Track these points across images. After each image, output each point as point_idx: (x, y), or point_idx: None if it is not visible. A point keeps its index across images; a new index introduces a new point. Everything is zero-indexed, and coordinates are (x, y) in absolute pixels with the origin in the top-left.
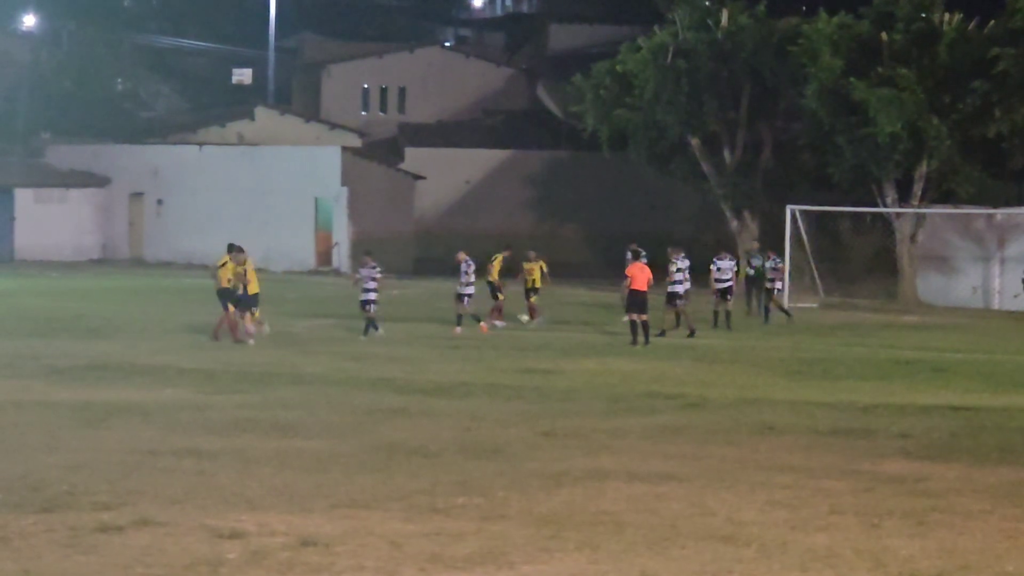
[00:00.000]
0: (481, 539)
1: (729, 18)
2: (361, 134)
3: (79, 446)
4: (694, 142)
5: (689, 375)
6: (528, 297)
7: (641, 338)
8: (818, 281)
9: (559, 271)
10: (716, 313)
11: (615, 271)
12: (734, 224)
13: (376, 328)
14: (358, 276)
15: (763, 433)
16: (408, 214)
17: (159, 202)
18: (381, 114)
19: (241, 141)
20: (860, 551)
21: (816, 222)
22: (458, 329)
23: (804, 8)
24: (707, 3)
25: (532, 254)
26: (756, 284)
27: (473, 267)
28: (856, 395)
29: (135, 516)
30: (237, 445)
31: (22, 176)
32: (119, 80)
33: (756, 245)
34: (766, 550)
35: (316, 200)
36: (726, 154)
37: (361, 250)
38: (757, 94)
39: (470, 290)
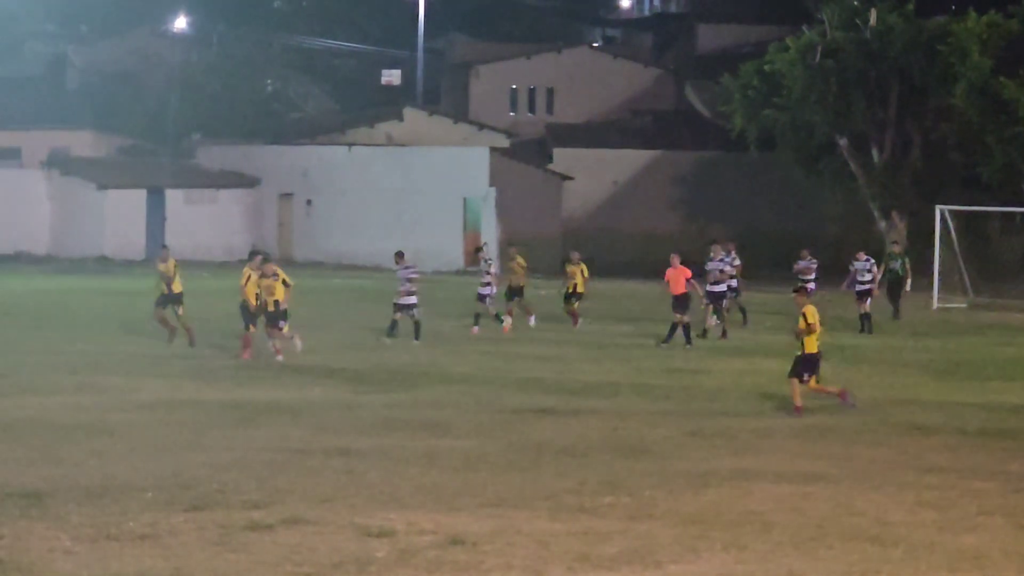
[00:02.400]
0: (628, 538)
1: (877, 17)
2: (509, 135)
3: (229, 445)
4: (842, 142)
5: (837, 375)
6: (567, 301)
7: (682, 337)
8: (967, 281)
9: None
10: (862, 316)
11: (761, 272)
12: (882, 224)
13: (393, 333)
14: (398, 276)
15: (911, 434)
16: (556, 214)
17: (308, 203)
18: (529, 115)
19: (390, 142)
20: (1009, 552)
21: (965, 222)
22: (475, 329)
23: (953, 7)
24: (855, 2)
25: (575, 255)
26: (894, 286)
27: (494, 265)
28: (1005, 396)
29: (284, 514)
30: (386, 444)
31: (173, 177)
32: (269, 81)
33: (897, 248)
34: (914, 551)
35: (464, 200)
36: (874, 154)
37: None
38: (906, 93)
39: (488, 290)
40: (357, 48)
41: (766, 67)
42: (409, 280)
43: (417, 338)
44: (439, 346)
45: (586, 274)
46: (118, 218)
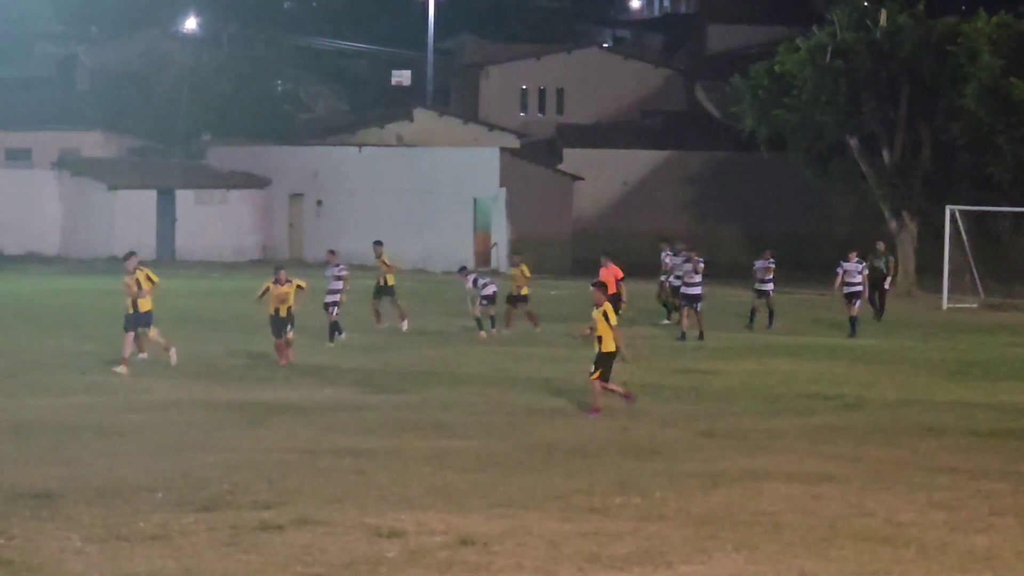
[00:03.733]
0: (639, 539)
1: (888, 18)
2: (519, 135)
3: (239, 445)
4: (852, 142)
5: (848, 375)
6: (512, 304)
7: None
8: (978, 282)
9: (717, 271)
10: (851, 320)
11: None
12: (893, 225)
13: (339, 332)
14: (326, 275)
15: (922, 434)
16: (566, 215)
17: (319, 203)
18: (539, 115)
19: (400, 142)
20: (1020, 553)
21: (976, 222)
22: (482, 334)
23: (963, 7)
24: (865, 3)
25: (516, 258)
26: (877, 285)
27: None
28: (1017, 396)
29: (295, 515)
30: (396, 445)
31: (183, 178)
32: (279, 82)
33: (882, 246)
34: (925, 551)
35: (475, 201)
36: (885, 154)
37: (519, 250)
38: (916, 94)
39: (488, 291)
40: (367, 49)
41: (776, 68)
42: (339, 278)
43: (331, 340)
44: (448, 347)
45: (527, 274)
46: (128, 219)
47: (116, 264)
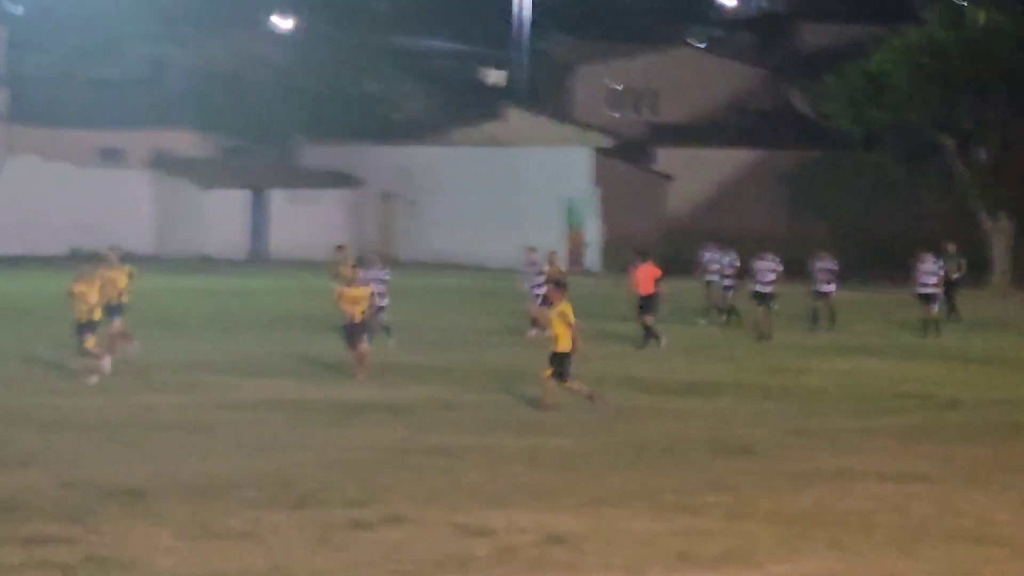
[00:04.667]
0: (729, 538)
1: (983, 16)
2: (612, 135)
3: (330, 444)
4: (947, 142)
5: (940, 375)
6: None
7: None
8: None
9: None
10: (925, 322)
11: (866, 272)
12: (987, 225)
13: (389, 334)
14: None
15: (1016, 434)
16: (658, 214)
17: (411, 202)
18: (632, 115)
19: (492, 142)
20: None
21: None
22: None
23: None
24: (964, 2)
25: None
26: (949, 286)
27: (542, 267)
28: None
29: (385, 513)
30: (486, 443)
31: (275, 177)
32: (371, 81)
33: (952, 247)
34: (1019, 552)
35: (567, 200)
36: (980, 154)
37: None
38: (1012, 93)
39: (540, 290)
40: (460, 48)
41: (870, 66)
42: (383, 282)
43: (371, 340)
44: (538, 346)
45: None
46: (221, 218)
47: (209, 264)
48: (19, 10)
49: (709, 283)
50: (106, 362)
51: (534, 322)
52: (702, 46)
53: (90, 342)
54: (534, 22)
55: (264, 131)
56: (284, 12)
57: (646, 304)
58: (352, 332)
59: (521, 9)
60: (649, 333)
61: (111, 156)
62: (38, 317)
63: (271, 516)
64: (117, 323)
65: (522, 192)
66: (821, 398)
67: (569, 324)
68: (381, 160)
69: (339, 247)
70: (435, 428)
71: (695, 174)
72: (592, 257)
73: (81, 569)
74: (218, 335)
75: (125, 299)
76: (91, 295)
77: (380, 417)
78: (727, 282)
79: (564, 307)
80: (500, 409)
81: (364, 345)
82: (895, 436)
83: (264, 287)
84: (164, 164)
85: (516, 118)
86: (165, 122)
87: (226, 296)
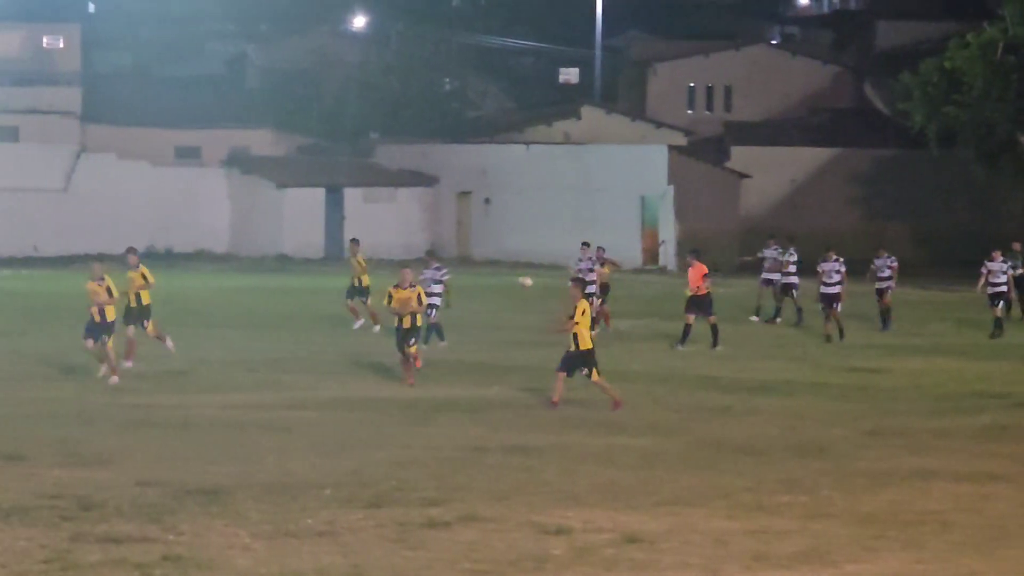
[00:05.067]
0: (805, 537)
1: None
2: (687, 132)
3: (407, 442)
4: None
5: (1017, 375)
6: (350, 297)
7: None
8: None
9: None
10: (996, 320)
11: (944, 270)
12: None
13: (441, 338)
14: (421, 278)
15: None
16: (734, 212)
17: (486, 201)
18: (707, 112)
19: (567, 140)
20: None
21: None
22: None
23: None
24: None
25: (355, 246)
26: (1019, 283)
27: (595, 265)
28: None
29: (462, 512)
30: (563, 442)
31: (351, 176)
32: (447, 80)
33: (1017, 246)
34: None
35: (642, 198)
36: None
37: (687, 248)
38: None
39: (592, 288)
40: (535, 46)
41: (946, 64)
42: (438, 282)
43: (426, 342)
44: (615, 345)
45: (363, 264)
46: (297, 217)
47: (285, 262)
48: (92, 8)
49: (767, 282)
50: (117, 370)
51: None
52: (778, 44)
53: (108, 344)
54: (610, 20)
55: (340, 130)
56: (361, 11)
57: (699, 303)
58: (401, 335)
59: (597, 7)
60: (714, 332)
61: (187, 155)
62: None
63: (348, 515)
64: (132, 329)
65: (597, 190)
66: (897, 398)
67: (571, 318)
68: (457, 158)
69: (353, 240)
70: (512, 427)
71: (770, 172)
72: (667, 255)
73: (158, 568)
74: (294, 334)
75: (146, 301)
76: (101, 294)
77: (457, 416)
78: (789, 279)
79: (584, 304)
80: (576, 408)
81: (412, 349)
82: (971, 436)
83: (340, 286)
84: (240, 163)
85: (591, 116)
86: (242, 121)
87: (302, 295)
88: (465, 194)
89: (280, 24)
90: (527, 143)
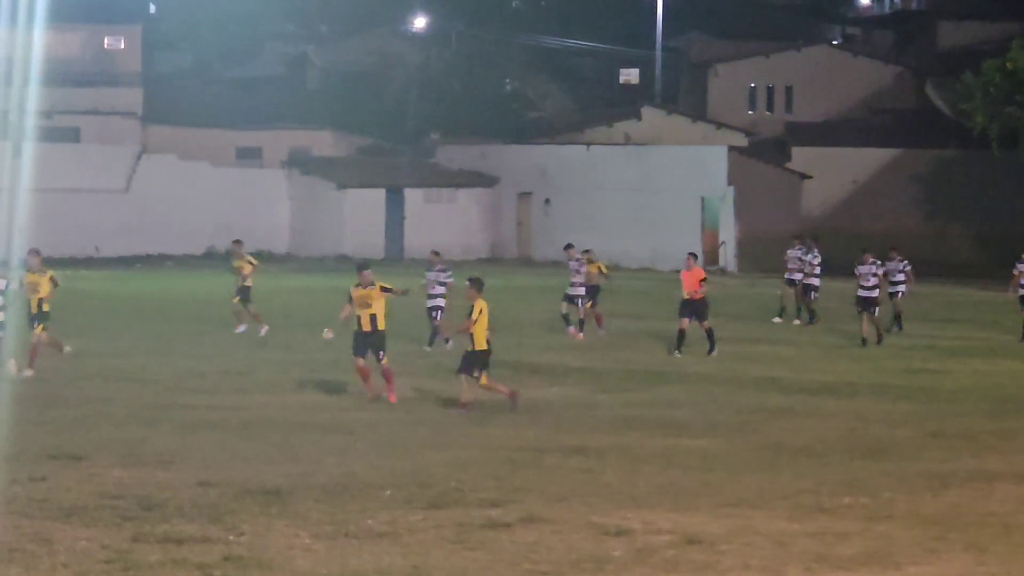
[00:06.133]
0: (866, 539)
1: None
2: (747, 133)
3: (467, 443)
4: None
5: None
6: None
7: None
8: None
9: (946, 271)
10: None
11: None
12: None
13: (446, 340)
14: (423, 282)
15: None
16: (795, 213)
17: (547, 201)
18: (767, 113)
19: (628, 141)
20: None
21: None
22: (571, 329)
23: None
24: None
25: (238, 248)
26: None
27: (583, 267)
28: None
29: (522, 513)
30: (623, 443)
31: (412, 176)
32: (507, 80)
33: None
34: None
35: (702, 199)
36: None
37: (747, 250)
38: None
39: (580, 291)
40: (596, 47)
41: (1008, 64)
42: (442, 284)
43: (430, 344)
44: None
45: (255, 262)
46: (357, 217)
47: (346, 262)
48: (153, 9)
49: (791, 282)
50: (19, 369)
51: (580, 323)
52: (839, 44)
53: (38, 330)
54: (671, 21)
55: (401, 130)
56: (422, 11)
57: (694, 308)
58: (360, 341)
59: (658, 8)
60: (709, 337)
61: (248, 155)
62: (174, 316)
63: (408, 516)
64: (39, 330)
65: (657, 191)
66: (958, 399)
67: (473, 320)
68: (517, 159)
69: (236, 241)
70: (572, 428)
71: (830, 173)
72: (727, 256)
73: (219, 568)
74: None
75: (46, 307)
76: (43, 285)
77: (517, 417)
78: (812, 281)
79: (481, 304)
80: (636, 408)
81: (384, 363)
82: None
83: (399, 286)
84: (301, 163)
85: (652, 117)
86: (302, 121)
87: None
88: (525, 195)
89: (340, 25)
90: (587, 144)
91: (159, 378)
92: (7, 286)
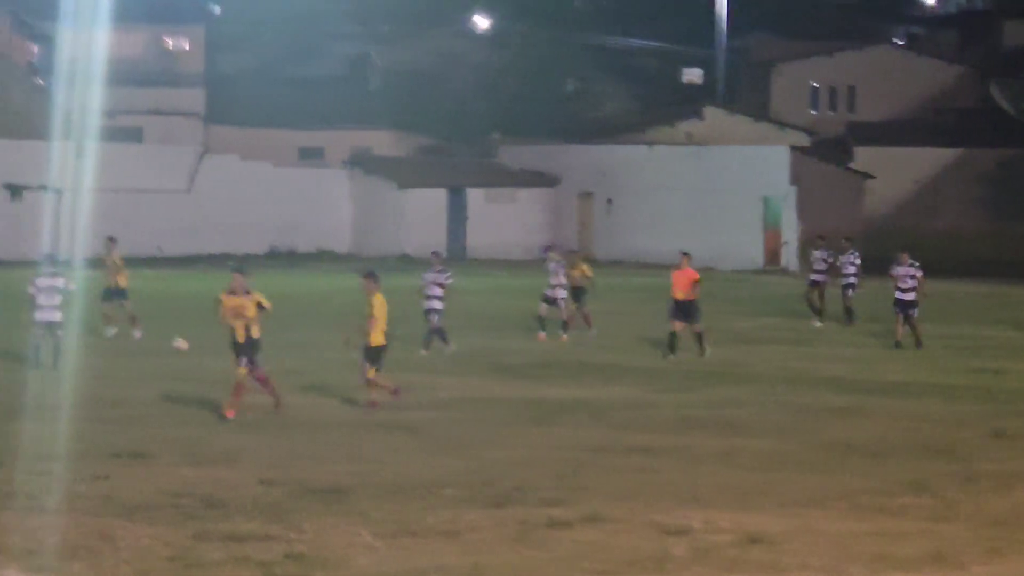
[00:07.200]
0: (930, 539)
1: None
2: (809, 133)
3: (528, 442)
4: None
5: None
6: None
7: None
8: None
9: (1010, 271)
10: None
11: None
12: None
13: (445, 341)
14: (421, 283)
15: None
16: (857, 213)
17: (608, 201)
18: (830, 113)
19: (690, 140)
20: None
21: None
22: (542, 335)
23: None
24: None
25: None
26: None
27: (563, 269)
28: None
29: (583, 512)
30: (684, 443)
31: (473, 176)
32: (569, 80)
33: None
34: None
35: (764, 199)
36: None
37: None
38: None
39: (562, 293)
40: (658, 46)
41: None
42: (439, 285)
43: (426, 348)
44: (737, 345)
45: (120, 264)
46: (419, 217)
47: (407, 262)
48: (216, 10)
49: (816, 283)
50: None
51: (565, 324)
52: (902, 43)
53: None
54: (733, 20)
55: (462, 130)
56: (483, 11)
57: (685, 310)
58: (235, 350)
59: (720, 7)
60: (699, 340)
61: (310, 155)
62: None
63: (470, 515)
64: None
65: (719, 191)
66: (1021, 399)
67: (371, 315)
68: (579, 159)
69: (110, 238)
70: (633, 427)
71: (893, 173)
72: (789, 256)
73: (280, 566)
74: (414, 334)
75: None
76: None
77: (578, 416)
78: (848, 280)
79: (378, 299)
80: (697, 408)
81: (242, 371)
82: None
83: (462, 286)
84: (362, 163)
85: (714, 117)
86: (364, 121)
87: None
88: (587, 195)
89: (402, 25)
90: (649, 143)
91: (220, 377)
92: (66, 285)
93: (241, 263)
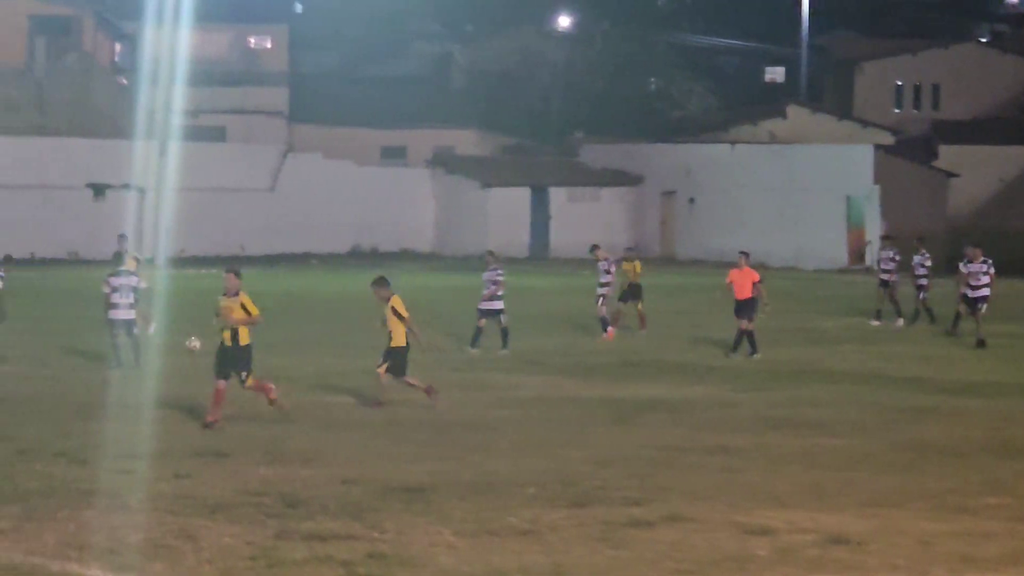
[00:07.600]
0: (1012, 540)
1: None
2: (893, 132)
3: (609, 442)
4: None
5: None
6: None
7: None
8: None
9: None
10: None
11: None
12: None
13: (475, 344)
14: (484, 278)
15: None
16: (941, 212)
17: (691, 200)
18: (914, 111)
19: (772, 139)
20: None
21: None
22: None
23: None
24: None
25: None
26: None
27: (614, 266)
28: None
29: (664, 512)
30: (765, 442)
31: (556, 175)
32: (651, 79)
33: None
34: None
35: (848, 198)
36: None
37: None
38: None
39: (608, 291)
40: (740, 45)
41: None
42: (495, 283)
43: (504, 346)
44: (819, 344)
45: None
46: (502, 216)
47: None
48: (299, 9)
49: (884, 283)
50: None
51: (612, 321)
52: (987, 41)
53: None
54: (816, 18)
55: (545, 129)
56: (566, 10)
57: (744, 308)
58: (220, 358)
59: (804, 6)
60: (750, 339)
61: (393, 155)
62: (318, 315)
63: (551, 514)
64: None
65: (802, 190)
66: None
67: (402, 318)
68: (661, 158)
69: (121, 236)
70: (713, 427)
71: (978, 171)
72: (873, 256)
73: (362, 565)
74: (496, 334)
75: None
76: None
77: (659, 416)
78: (920, 281)
79: (395, 301)
80: (778, 408)
81: (249, 383)
82: None
83: (544, 285)
84: (445, 162)
85: (797, 115)
86: (446, 120)
87: (506, 294)
88: (669, 194)
89: (485, 24)
90: (732, 142)
91: (302, 376)
92: (139, 283)
93: (234, 263)
